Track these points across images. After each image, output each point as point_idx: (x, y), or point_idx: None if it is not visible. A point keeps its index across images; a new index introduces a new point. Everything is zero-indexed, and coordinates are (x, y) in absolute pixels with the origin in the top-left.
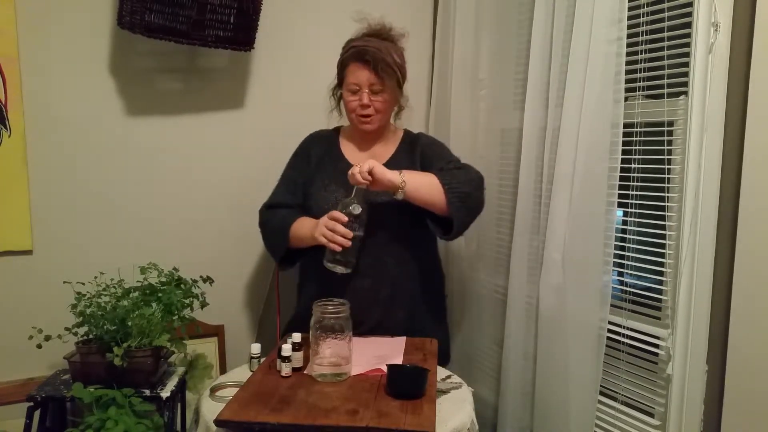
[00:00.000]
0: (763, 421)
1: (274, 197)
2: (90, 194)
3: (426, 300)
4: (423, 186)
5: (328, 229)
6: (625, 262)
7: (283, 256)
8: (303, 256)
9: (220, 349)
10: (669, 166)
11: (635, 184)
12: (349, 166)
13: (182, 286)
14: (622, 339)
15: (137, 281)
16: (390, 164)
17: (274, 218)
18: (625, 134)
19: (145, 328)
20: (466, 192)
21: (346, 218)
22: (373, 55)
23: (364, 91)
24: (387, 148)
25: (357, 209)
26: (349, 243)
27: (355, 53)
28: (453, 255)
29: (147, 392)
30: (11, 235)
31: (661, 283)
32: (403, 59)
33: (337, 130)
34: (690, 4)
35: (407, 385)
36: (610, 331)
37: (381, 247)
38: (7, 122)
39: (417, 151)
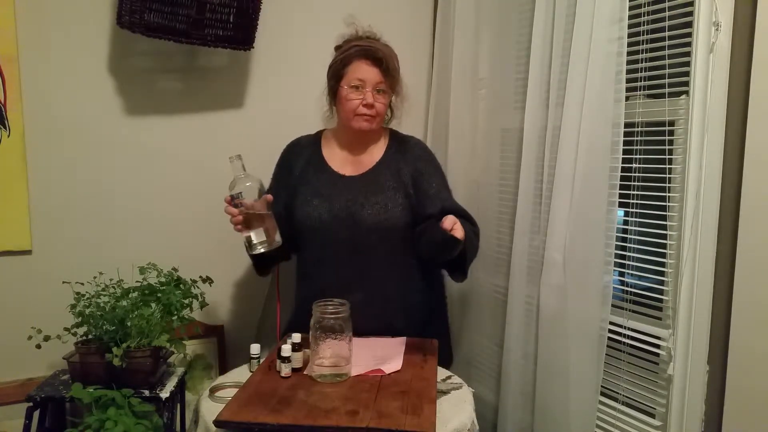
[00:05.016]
0: (764, 421)
1: None
2: (89, 194)
3: (425, 306)
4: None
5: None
6: (626, 262)
7: (256, 262)
8: (275, 261)
9: (220, 349)
10: (670, 166)
11: (636, 183)
12: (334, 175)
13: (181, 286)
14: (623, 339)
15: (136, 281)
16: (374, 172)
17: None
18: (626, 134)
19: (144, 328)
20: (474, 256)
21: (228, 197)
22: (383, 54)
23: (368, 90)
24: (372, 156)
25: (232, 186)
26: (239, 218)
27: (362, 51)
28: None
29: (146, 393)
30: (10, 235)
31: (662, 283)
32: (398, 67)
33: (318, 136)
34: (691, 4)
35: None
36: (611, 331)
37: (371, 262)
38: (6, 122)
39: (407, 161)
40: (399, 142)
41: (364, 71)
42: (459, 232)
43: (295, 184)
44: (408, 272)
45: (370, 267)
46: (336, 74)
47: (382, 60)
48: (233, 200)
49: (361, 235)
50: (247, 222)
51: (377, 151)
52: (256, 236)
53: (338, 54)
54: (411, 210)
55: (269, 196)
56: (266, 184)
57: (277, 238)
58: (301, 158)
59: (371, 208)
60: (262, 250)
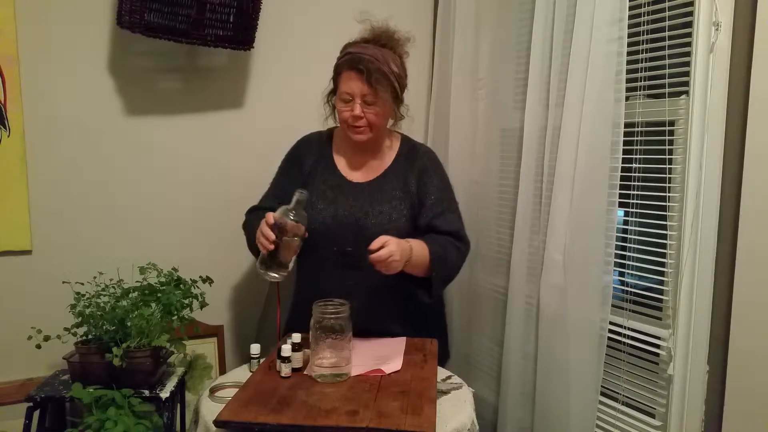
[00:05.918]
0: (764, 421)
1: (261, 201)
2: (89, 194)
3: (423, 308)
4: (418, 267)
5: (260, 232)
6: (626, 262)
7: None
8: None
9: (220, 349)
10: (670, 166)
11: (636, 183)
12: (341, 180)
13: (181, 286)
14: (623, 339)
15: (136, 281)
16: (382, 180)
17: (251, 220)
18: (626, 134)
19: (144, 328)
20: (449, 276)
21: (272, 222)
22: (366, 64)
23: (357, 102)
24: (382, 162)
25: (283, 214)
26: (271, 246)
27: (349, 60)
28: None
29: (146, 393)
30: (10, 235)
31: (662, 283)
32: (402, 68)
33: (330, 134)
34: (691, 4)
35: None
36: (611, 331)
37: (371, 267)
38: (6, 122)
39: (414, 170)
40: (409, 150)
41: (350, 84)
42: (386, 249)
43: (305, 181)
44: (407, 276)
45: (370, 272)
46: (333, 82)
47: (363, 71)
48: (276, 226)
49: (363, 241)
50: (276, 248)
51: (387, 158)
52: (269, 263)
53: (337, 60)
54: (414, 220)
55: (305, 232)
56: (267, 180)
57: (290, 267)
58: (310, 156)
59: (375, 218)
60: (276, 278)
